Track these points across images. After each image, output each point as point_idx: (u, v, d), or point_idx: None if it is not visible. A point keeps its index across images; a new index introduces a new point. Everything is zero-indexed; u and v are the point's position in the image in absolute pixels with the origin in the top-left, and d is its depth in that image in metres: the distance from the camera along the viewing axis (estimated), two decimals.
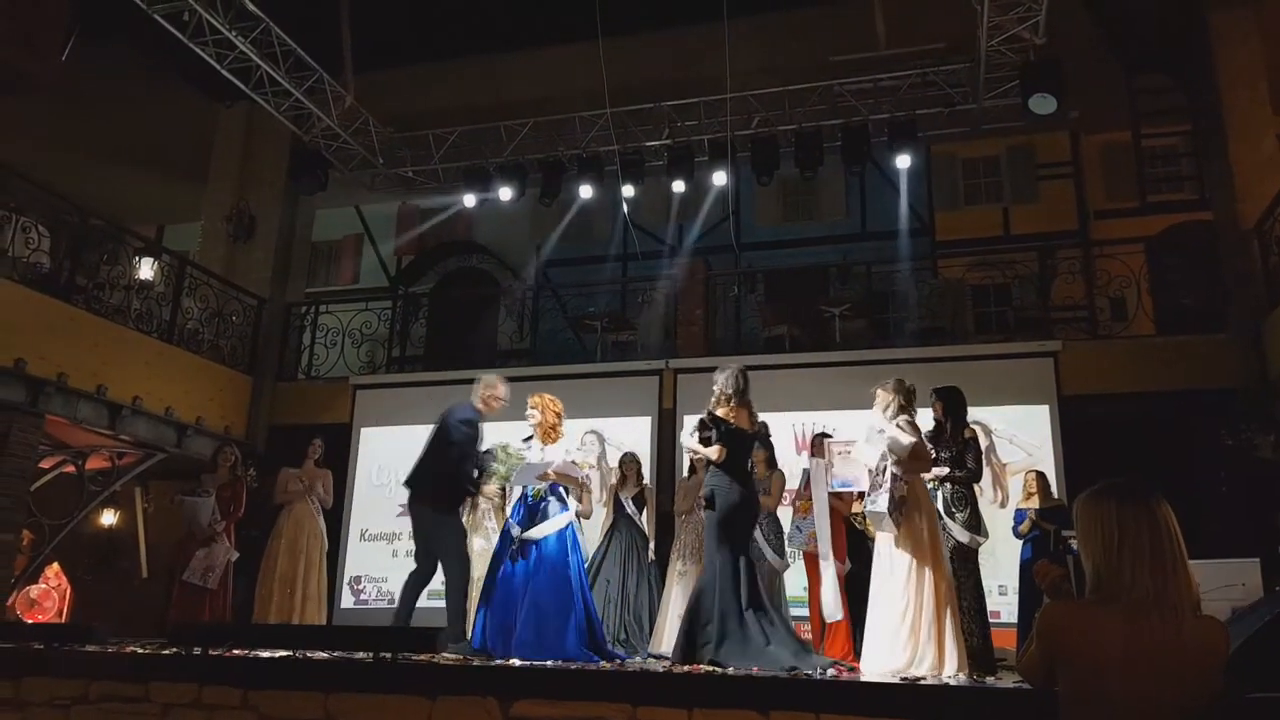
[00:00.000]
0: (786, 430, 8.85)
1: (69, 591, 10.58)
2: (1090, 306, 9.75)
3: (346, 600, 9.91)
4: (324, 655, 4.96)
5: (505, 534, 6.10)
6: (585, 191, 11.24)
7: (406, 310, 12.32)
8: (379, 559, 9.96)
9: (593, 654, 5.64)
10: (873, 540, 5.73)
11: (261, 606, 8.23)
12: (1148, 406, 8.46)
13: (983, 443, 6.41)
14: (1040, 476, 7.59)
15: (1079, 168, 12.74)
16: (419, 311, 13.13)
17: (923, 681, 4.57)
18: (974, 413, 6.22)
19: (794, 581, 7.39)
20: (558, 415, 6.14)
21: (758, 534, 6.88)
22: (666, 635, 6.78)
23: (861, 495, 5.78)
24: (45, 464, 8.83)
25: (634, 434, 9.32)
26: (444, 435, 6.16)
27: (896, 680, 4.67)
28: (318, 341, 11.33)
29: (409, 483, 6.24)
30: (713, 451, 5.69)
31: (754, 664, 5.14)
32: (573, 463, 6.15)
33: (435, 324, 13.43)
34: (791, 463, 8.25)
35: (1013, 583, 7.63)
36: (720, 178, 10.92)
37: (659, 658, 6.50)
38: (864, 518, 6.33)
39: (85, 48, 9.78)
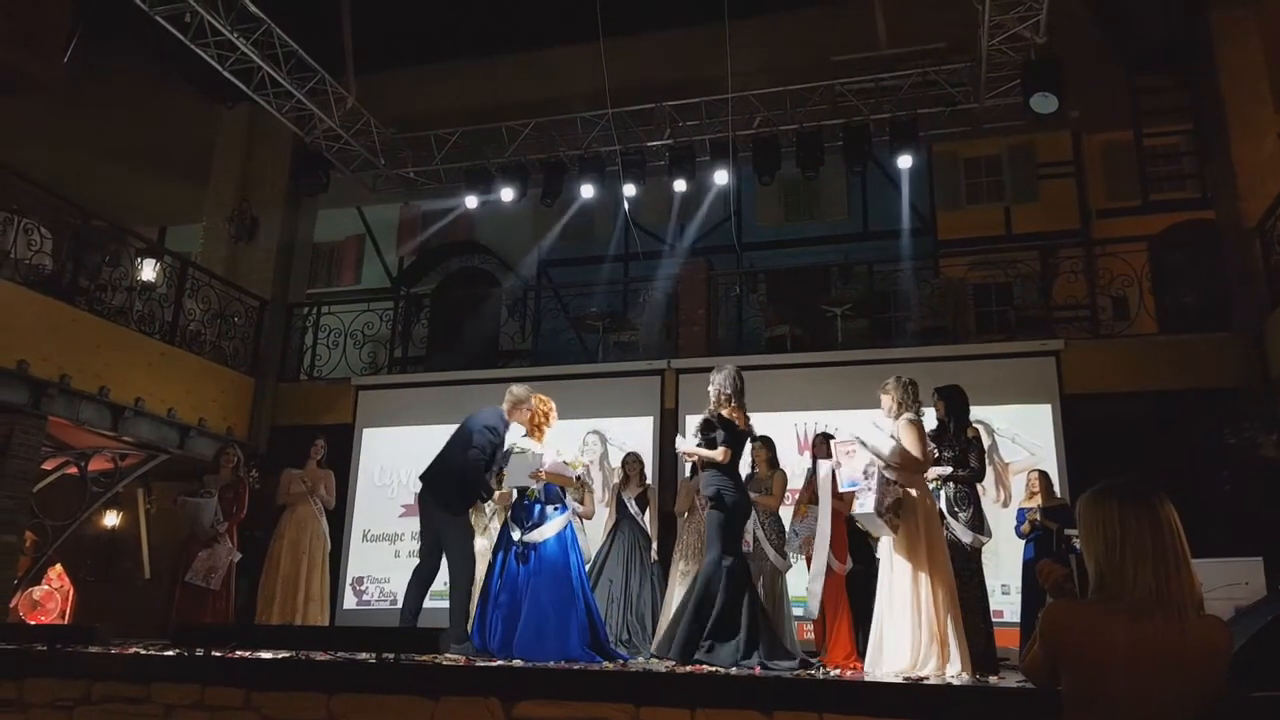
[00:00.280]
0: (788, 430, 8.85)
1: (72, 593, 10.59)
2: (1092, 306, 9.74)
3: (349, 601, 9.91)
4: (326, 656, 4.96)
5: (503, 533, 6.11)
6: (587, 191, 11.24)
7: (408, 311, 12.32)
8: (381, 560, 9.97)
9: (595, 654, 5.66)
10: (875, 541, 5.74)
11: (264, 607, 8.24)
12: (1150, 405, 8.45)
13: (985, 442, 6.42)
14: (1043, 476, 7.58)
15: (1080, 167, 12.74)
16: (421, 312, 13.13)
17: (926, 682, 4.56)
18: (976, 412, 6.21)
19: (796, 582, 7.38)
20: (545, 415, 6.17)
21: (759, 533, 6.91)
22: (663, 633, 6.78)
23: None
24: (48, 465, 8.84)
25: (636, 434, 9.31)
26: (466, 438, 6.16)
27: (900, 680, 4.66)
28: (320, 342, 11.34)
29: (425, 477, 6.25)
30: (719, 453, 5.71)
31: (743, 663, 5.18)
32: (564, 463, 6.16)
33: (437, 324, 13.45)
34: (793, 462, 8.26)
35: (1015, 582, 7.62)
36: (721, 177, 10.93)
37: (661, 657, 6.50)
38: None
39: (87, 49, 9.80)
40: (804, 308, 10.82)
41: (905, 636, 5.04)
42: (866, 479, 5.28)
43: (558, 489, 6.07)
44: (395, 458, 10.06)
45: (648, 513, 7.89)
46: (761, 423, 7.15)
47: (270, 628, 7.55)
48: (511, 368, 11.46)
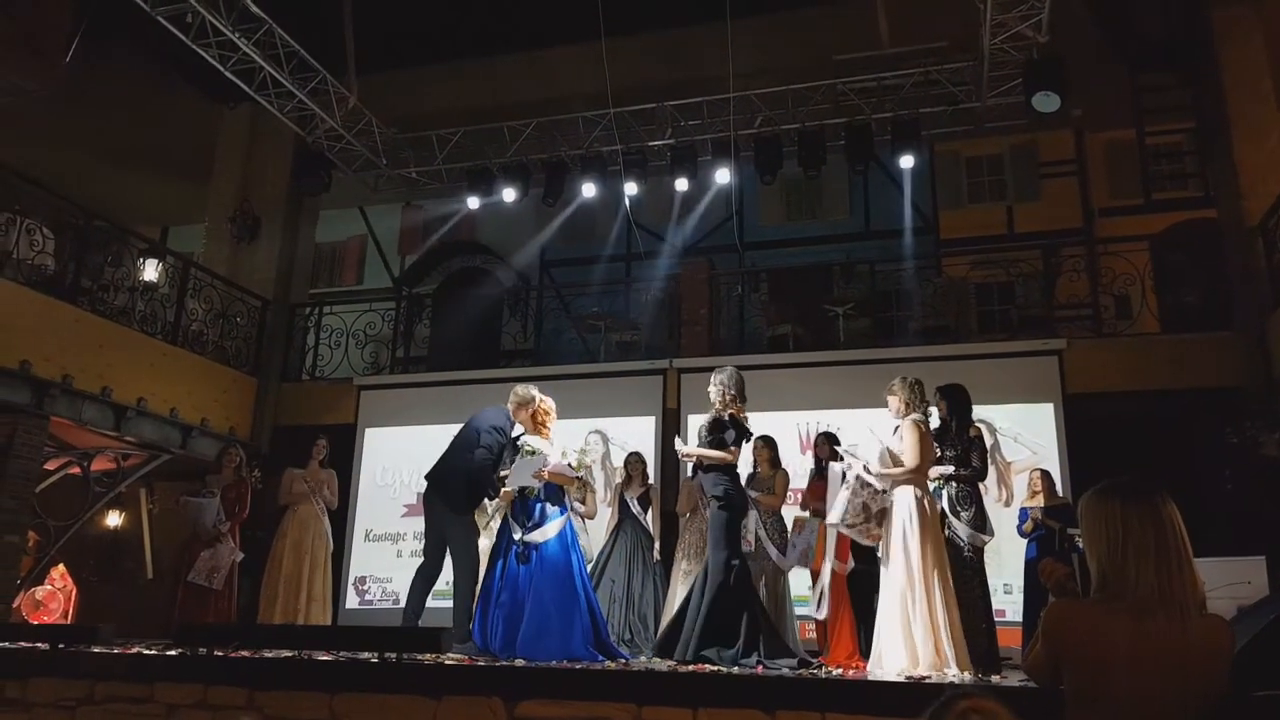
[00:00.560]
0: (790, 430, 8.84)
1: (74, 593, 10.61)
2: (1094, 305, 9.72)
3: (351, 600, 9.91)
4: (329, 656, 4.97)
5: (503, 532, 6.09)
6: (588, 190, 11.24)
7: (410, 311, 12.33)
8: (384, 559, 9.97)
9: (597, 653, 5.65)
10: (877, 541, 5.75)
11: (266, 607, 8.25)
12: (1152, 405, 8.45)
13: (987, 441, 6.41)
14: (1045, 475, 7.58)
15: (1083, 165, 12.74)
16: (423, 312, 13.13)
17: (927, 680, 4.56)
18: (978, 411, 6.21)
19: (797, 581, 7.38)
20: (547, 414, 6.17)
21: (761, 533, 6.92)
22: (664, 631, 6.78)
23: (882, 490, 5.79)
24: (50, 465, 8.84)
25: (638, 434, 9.31)
26: (472, 438, 6.16)
27: (901, 679, 4.66)
28: (322, 342, 11.34)
29: (431, 476, 6.25)
30: (727, 454, 5.75)
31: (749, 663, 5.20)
32: (569, 465, 6.16)
33: (439, 324, 13.45)
34: (795, 462, 8.26)
35: (1018, 581, 7.61)
36: (723, 177, 10.92)
37: (663, 656, 6.50)
38: None
39: (88, 49, 9.80)
40: (806, 307, 10.82)
41: (905, 636, 5.04)
42: (844, 485, 5.43)
43: (558, 488, 6.07)
44: (397, 457, 10.07)
45: (650, 512, 7.89)
46: (763, 422, 7.16)
47: (273, 627, 7.56)
48: (513, 367, 11.46)
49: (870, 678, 4.91)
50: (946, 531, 5.65)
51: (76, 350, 8.35)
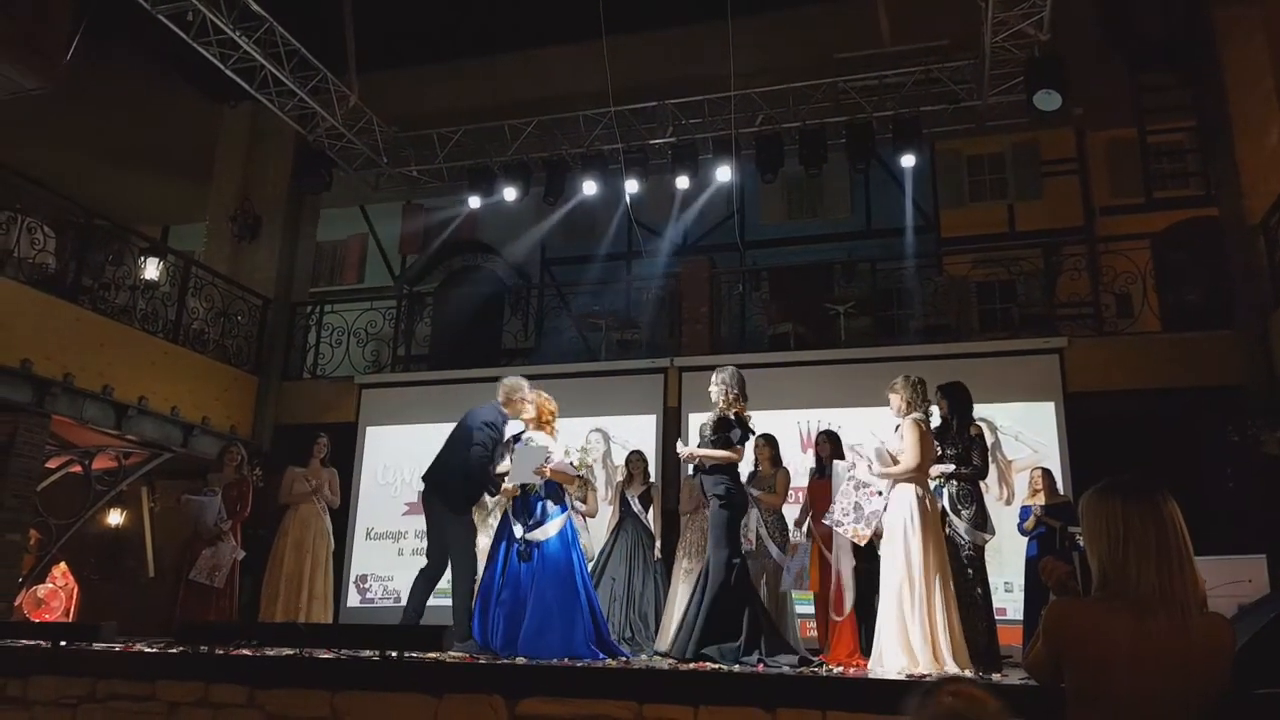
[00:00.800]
0: (791, 428, 8.84)
1: (76, 591, 10.61)
2: (1095, 303, 9.72)
3: (352, 599, 9.92)
4: (330, 654, 4.97)
5: (502, 529, 6.08)
6: (589, 189, 11.23)
7: (411, 309, 12.33)
8: (385, 558, 9.98)
9: (599, 652, 5.65)
10: (879, 539, 5.75)
11: (268, 605, 8.24)
12: (1153, 403, 8.44)
13: (988, 440, 6.41)
14: (1046, 473, 7.58)
15: (1084, 164, 12.72)
16: (424, 310, 13.14)
17: (927, 679, 4.56)
18: (979, 410, 6.21)
19: None
20: (553, 414, 6.17)
21: (762, 531, 6.92)
22: (672, 633, 6.79)
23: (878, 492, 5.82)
24: (52, 464, 8.85)
25: (639, 432, 9.31)
26: (465, 435, 6.16)
27: (902, 677, 4.66)
28: (323, 341, 11.35)
29: (428, 477, 6.24)
30: (731, 453, 5.75)
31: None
32: (571, 464, 6.16)
33: (440, 323, 13.46)
34: (796, 461, 8.25)
35: (1018, 579, 7.61)
36: (724, 175, 10.92)
37: (665, 655, 6.51)
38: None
39: (89, 48, 9.79)
40: (807, 306, 10.82)
41: (906, 635, 5.04)
42: (846, 481, 5.48)
43: (558, 486, 6.06)
44: (398, 456, 10.07)
45: (651, 511, 7.89)
46: (764, 421, 7.15)
47: (274, 625, 7.56)
48: (514, 366, 11.45)
49: (871, 676, 4.91)
50: (947, 530, 5.65)
51: (78, 349, 8.35)
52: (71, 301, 8.45)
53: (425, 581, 6.16)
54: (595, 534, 7.96)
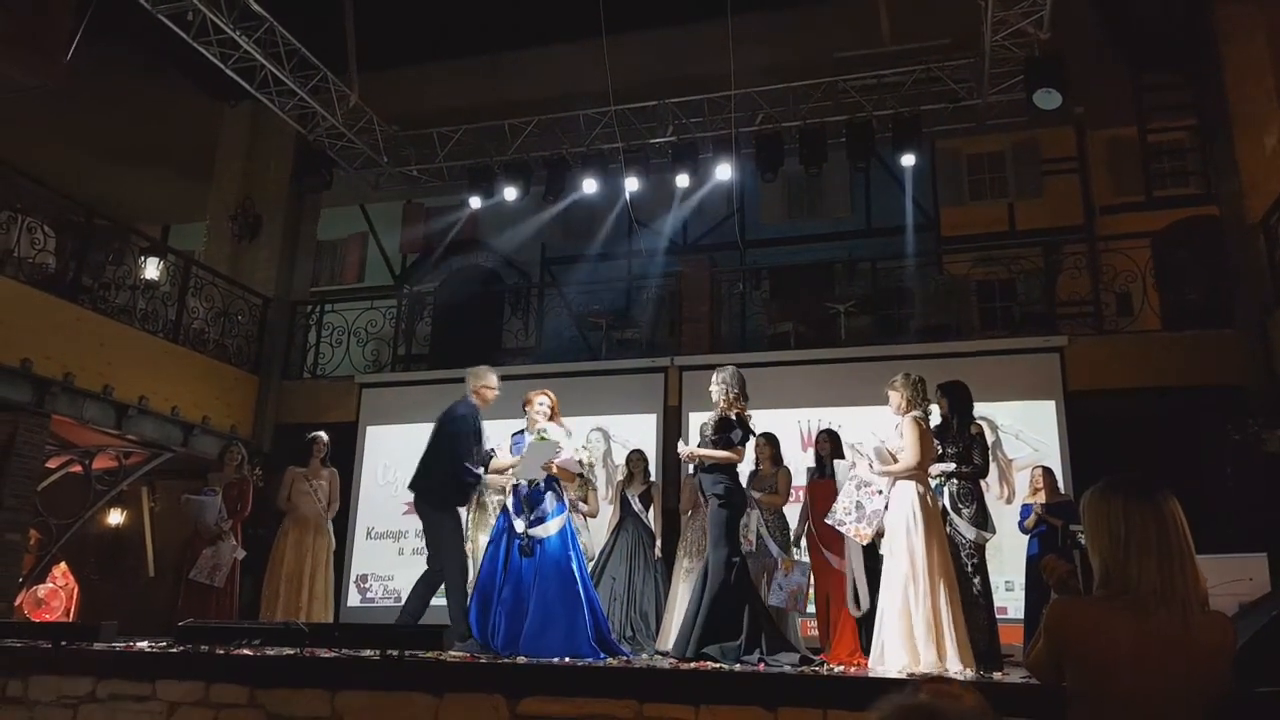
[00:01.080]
0: (791, 427, 8.84)
1: (76, 591, 10.61)
2: (1096, 302, 9.72)
3: (353, 598, 9.92)
4: (330, 653, 4.97)
5: (501, 524, 6.05)
6: (589, 188, 11.23)
7: (412, 309, 12.32)
8: (385, 557, 9.98)
9: (600, 651, 5.65)
10: (879, 539, 5.75)
11: (268, 605, 8.23)
12: (1154, 402, 8.44)
13: (988, 439, 6.40)
14: (1047, 472, 7.58)
15: (1084, 163, 12.71)
16: (424, 310, 13.14)
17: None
18: (980, 409, 6.20)
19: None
20: (553, 407, 6.17)
21: (763, 530, 6.92)
22: (673, 632, 6.79)
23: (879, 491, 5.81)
24: (52, 464, 8.85)
25: (639, 431, 9.31)
26: (442, 433, 6.16)
27: (903, 677, 4.66)
28: (323, 340, 11.35)
29: (413, 485, 6.24)
30: (732, 453, 5.75)
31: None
32: (578, 462, 6.15)
33: (440, 322, 13.45)
34: (796, 460, 8.25)
35: (1019, 578, 7.62)
36: (724, 174, 10.91)
37: (665, 654, 6.51)
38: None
39: (90, 47, 9.79)
40: (807, 305, 10.82)
41: (907, 633, 5.04)
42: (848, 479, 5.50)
43: (557, 482, 6.04)
44: (399, 455, 10.02)
45: (651, 510, 7.89)
46: (765, 420, 7.14)
47: (274, 625, 7.55)
48: (514, 365, 11.45)
49: (872, 675, 4.91)
50: (948, 529, 5.65)
51: (78, 348, 8.35)
52: (71, 301, 8.45)
53: (425, 586, 6.13)
54: (596, 533, 7.95)
